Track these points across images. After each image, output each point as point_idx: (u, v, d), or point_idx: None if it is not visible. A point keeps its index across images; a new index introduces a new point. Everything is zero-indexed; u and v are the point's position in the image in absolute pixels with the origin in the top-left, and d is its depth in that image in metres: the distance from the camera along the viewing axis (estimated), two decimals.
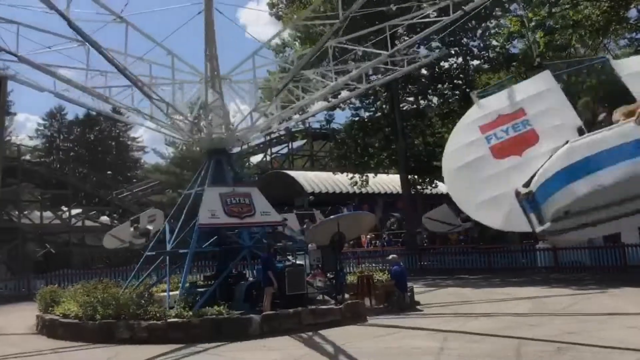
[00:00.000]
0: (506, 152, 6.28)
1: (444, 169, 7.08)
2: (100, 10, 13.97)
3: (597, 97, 29.69)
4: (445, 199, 36.73)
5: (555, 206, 5.55)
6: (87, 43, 13.43)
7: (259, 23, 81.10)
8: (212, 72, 14.99)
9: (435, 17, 15.92)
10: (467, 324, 11.42)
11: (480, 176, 6.35)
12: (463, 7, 13.63)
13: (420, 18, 15.90)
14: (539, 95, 6.53)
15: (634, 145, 5.34)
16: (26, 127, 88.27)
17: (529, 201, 5.70)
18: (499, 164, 6.24)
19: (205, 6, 13.77)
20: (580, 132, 5.91)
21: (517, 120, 6.38)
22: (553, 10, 16.30)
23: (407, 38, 23.74)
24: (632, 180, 5.28)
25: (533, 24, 17.03)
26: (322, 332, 11.11)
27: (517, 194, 5.80)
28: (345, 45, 17.71)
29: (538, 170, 5.87)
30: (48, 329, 12.88)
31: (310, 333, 11.07)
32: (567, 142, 5.76)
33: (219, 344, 10.42)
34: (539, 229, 5.78)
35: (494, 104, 6.74)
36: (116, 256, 31.21)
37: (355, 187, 31.88)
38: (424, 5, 15.18)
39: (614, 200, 5.41)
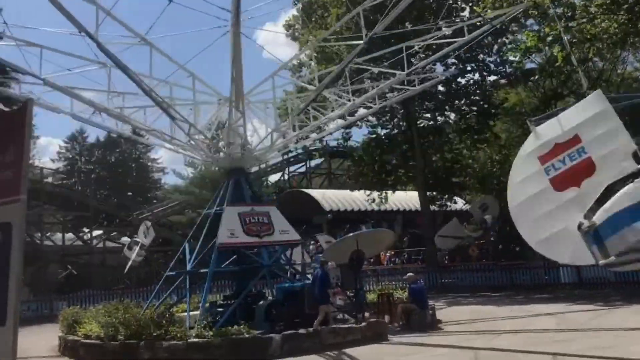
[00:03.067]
0: (565, 183, 6.07)
1: (509, 203, 6.86)
2: (123, 33, 14.14)
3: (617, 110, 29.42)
4: (464, 214, 36.51)
5: (624, 243, 5.37)
6: (110, 65, 13.66)
7: (276, 44, 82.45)
8: (236, 93, 15.00)
9: (450, 36, 15.97)
10: (489, 342, 11.24)
11: (542, 211, 6.19)
12: (490, 20, 13.68)
13: (437, 39, 15.93)
14: (592, 119, 6.15)
15: None
16: (48, 151, 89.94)
17: (592, 234, 5.51)
18: (559, 197, 6.06)
19: (233, 29, 13.80)
20: (635, 157, 5.70)
21: (572, 149, 6.11)
22: (570, 24, 16.22)
23: (424, 56, 23.82)
24: None
25: (550, 38, 16.93)
26: (345, 351, 11.01)
27: (579, 226, 5.63)
28: (362, 66, 17.81)
29: (600, 202, 5.71)
30: (70, 350, 12.96)
31: (331, 352, 10.97)
32: (635, 179, 5.57)
33: None
34: (602, 262, 5.63)
35: (549, 131, 6.48)
36: (137, 277, 31.45)
37: (373, 205, 31.76)
38: (441, 25, 15.24)
39: None
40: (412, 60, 20.81)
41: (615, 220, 5.37)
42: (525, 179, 6.46)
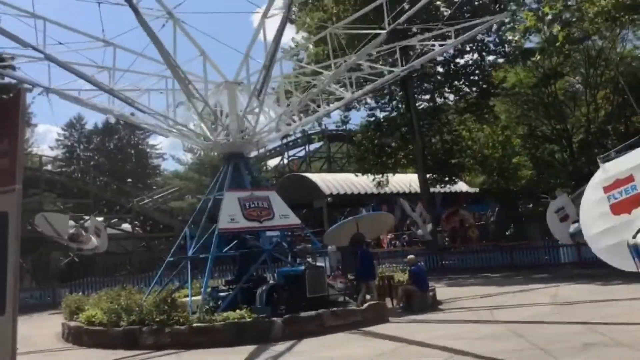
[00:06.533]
0: (620, 210, 8.10)
1: (582, 217, 9.15)
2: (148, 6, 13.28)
3: (617, 89, 29.33)
4: (462, 196, 36.57)
5: None
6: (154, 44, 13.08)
7: (272, 26, 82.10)
8: (264, 81, 14.36)
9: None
10: (490, 323, 11.31)
11: (603, 227, 8.26)
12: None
13: (427, 40, 15.85)
14: None
15: None
16: (47, 138, 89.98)
17: (635, 250, 7.43)
18: (615, 219, 8.13)
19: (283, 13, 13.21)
20: None
21: (628, 185, 8.14)
22: (569, 2, 16.11)
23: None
24: None
25: (549, 17, 16.81)
26: (345, 333, 11.09)
27: (627, 243, 7.60)
28: (361, 62, 17.67)
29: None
30: (74, 336, 13.04)
31: (333, 335, 11.04)
32: None
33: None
34: None
35: (613, 169, 8.46)
36: (139, 263, 31.58)
37: (374, 188, 31.76)
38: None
39: None
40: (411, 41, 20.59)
41: None
42: (595, 202, 8.57)
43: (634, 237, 7.62)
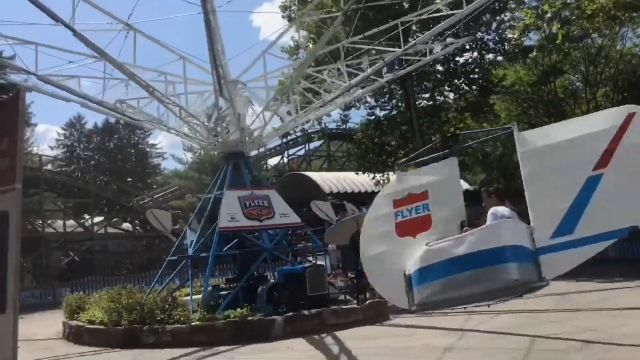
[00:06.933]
0: (405, 232, 6.86)
1: (362, 232, 7.60)
2: (108, 20, 14.13)
3: (617, 87, 29.31)
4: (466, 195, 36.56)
5: (417, 297, 6.44)
6: (100, 55, 13.57)
7: (273, 25, 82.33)
8: (219, 80, 14.69)
9: (447, 11, 15.82)
10: (487, 322, 11.30)
11: (381, 249, 6.99)
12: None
13: (432, 13, 15.80)
14: (442, 181, 6.93)
15: (447, 262, 6.22)
16: (47, 138, 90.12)
17: (408, 282, 6.48)
18: (397, 242, 6.85)
19: (204, 16, 12.87)
20: (462, 226, 6.50)
21: (420, 203, 6.87)
22: (568, 1, 16.15)
23: (420, 34, 23.66)
24: (443, 293, 6.23)
25: (549, 15, 16.82)
26: (345, 331, 11.10)
27: (404, 273, 6.56)
28: (359, 46, 17.67)
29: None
30: (74, 335, 13.08)
31: (332, 333, 11.06)
32: (428, 243, 6.48)
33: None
34: (411, 307, 6.55)
35: (408, 180, 7.20)
36: (139, 262, 31.62)
37: (376, 187, 31.74)
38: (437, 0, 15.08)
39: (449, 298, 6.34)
40: (410, 39, 20.60)
41: (413, 276, 6.41)
42: (380, 217, 7.24)
43: (412, 267, 6.47)
